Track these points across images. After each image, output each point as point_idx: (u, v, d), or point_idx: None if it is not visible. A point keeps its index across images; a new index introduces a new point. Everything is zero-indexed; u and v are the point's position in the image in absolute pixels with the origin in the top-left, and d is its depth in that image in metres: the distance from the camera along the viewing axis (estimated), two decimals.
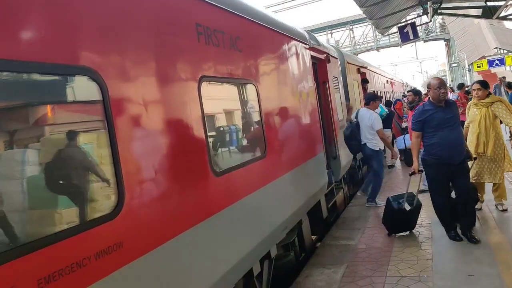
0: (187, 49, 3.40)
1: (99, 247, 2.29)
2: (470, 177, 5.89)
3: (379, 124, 7.84)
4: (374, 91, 9.41)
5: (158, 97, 2.99)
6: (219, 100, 4.13)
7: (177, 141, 3.12)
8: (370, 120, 7.79)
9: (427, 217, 6.62)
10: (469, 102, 6.78)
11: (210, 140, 3.58)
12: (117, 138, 2.50)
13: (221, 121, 4.08)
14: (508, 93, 14.24)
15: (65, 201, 2.33)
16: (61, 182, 2.33)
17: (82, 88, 2.51)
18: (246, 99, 4.54)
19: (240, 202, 3.86)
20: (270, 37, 5.29)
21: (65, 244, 2.10)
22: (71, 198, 2.35)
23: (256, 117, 4.59)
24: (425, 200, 7.60)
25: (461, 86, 15.53)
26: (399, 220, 5.94)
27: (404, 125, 12.43)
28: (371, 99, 8.37)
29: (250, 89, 4.51)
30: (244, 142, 4.48)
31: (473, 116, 6.32)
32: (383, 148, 8.36)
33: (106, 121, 2.47)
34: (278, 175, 4.84)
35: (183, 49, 3.35)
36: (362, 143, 7.92)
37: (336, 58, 9.20)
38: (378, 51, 43.25)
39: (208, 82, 3.63)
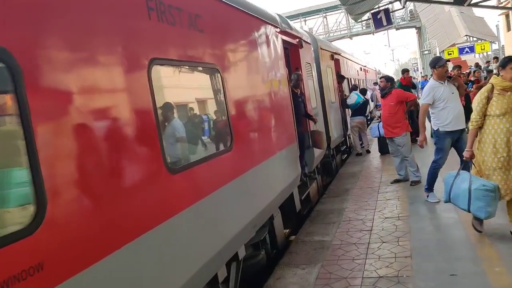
0: (134, 27, 2.89)
1: (10, 272, 1.80)
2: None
3: (423, 98, 6.17)
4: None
5: (94, 80, 2.46)
6: (176, 86, 3.64)
7: (121, 134, 2.63)
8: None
9: (403, 209, 6.37)
10: (484, 88, 4.64)
11: (164, 132, 3.10)
12: (35, 132, 2.00)
13: (177, 111, 3.59)
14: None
15: None
16: None
17: None
18: (208, 85, 4.07)
19: (202, 201, 3.43)
20: (237, 17, 4.80)
21: None
22: None
23: (221, 105, 4.13)
24: (400, 191, 7.43)
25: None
26: None
27: (378, 113, 12.22)
28: (435, 62, 6.23)
29: (213, 75, 4.03)
30: (207, 134, 4.02)
31: (509, 102, 4.40)
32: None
33: (20, 111, 1.96)
34: (247, 168, 4.42)
35: (130, 27, 2.84)
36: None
37: (309, 44, 8.80)
38: (351, 38, 43.33)
39: (160, 65, 3.14)
